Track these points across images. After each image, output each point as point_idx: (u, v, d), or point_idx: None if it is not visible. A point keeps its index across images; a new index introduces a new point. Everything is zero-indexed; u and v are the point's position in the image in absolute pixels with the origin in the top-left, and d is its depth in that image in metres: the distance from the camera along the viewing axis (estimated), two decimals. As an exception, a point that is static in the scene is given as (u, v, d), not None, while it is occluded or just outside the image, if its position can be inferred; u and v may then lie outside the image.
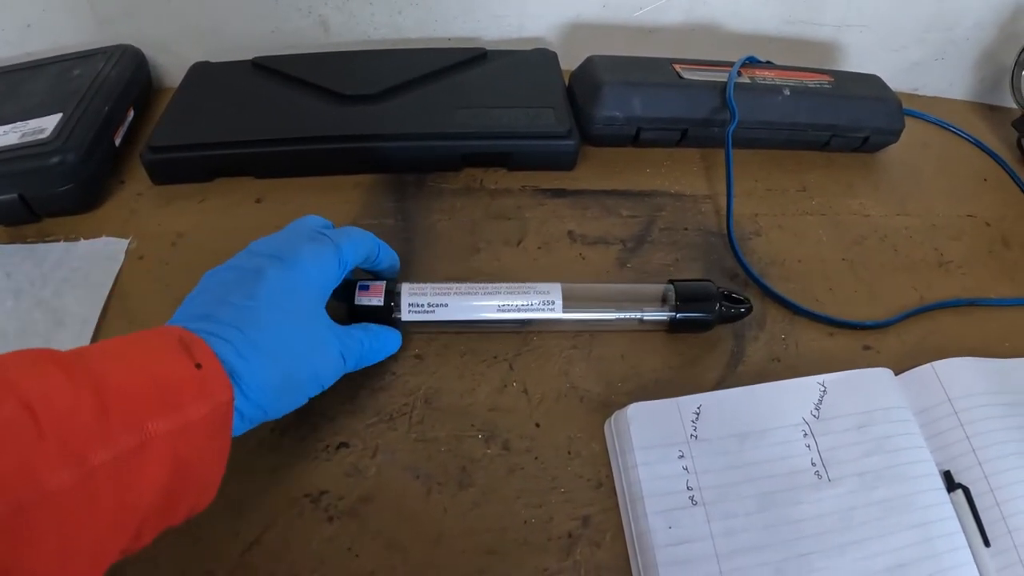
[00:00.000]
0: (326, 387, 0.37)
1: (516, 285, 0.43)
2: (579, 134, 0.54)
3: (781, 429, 0.40)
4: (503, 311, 0.42)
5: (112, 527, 0.26)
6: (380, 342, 0.41)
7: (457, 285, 0.43)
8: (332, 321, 0.38)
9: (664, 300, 0.44)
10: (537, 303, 0.42)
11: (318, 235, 0.39)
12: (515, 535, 0.36)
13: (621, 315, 0.44)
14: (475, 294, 0.42)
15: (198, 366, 0.29)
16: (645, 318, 0.44)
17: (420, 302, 0.42)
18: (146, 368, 0.28)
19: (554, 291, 0.43)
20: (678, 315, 0.43)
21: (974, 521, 0.38)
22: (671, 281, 0.44)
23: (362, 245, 0.40)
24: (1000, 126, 0.67)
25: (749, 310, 0.45)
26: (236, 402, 0.31)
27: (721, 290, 0.44)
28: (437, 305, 0.42)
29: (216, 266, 0.37)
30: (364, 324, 0.41)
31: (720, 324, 0.45)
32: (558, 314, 0.42)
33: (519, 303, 0.42)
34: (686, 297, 0.43)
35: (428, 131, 0.51)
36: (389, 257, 0.43)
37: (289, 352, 0.34)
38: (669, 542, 0.36)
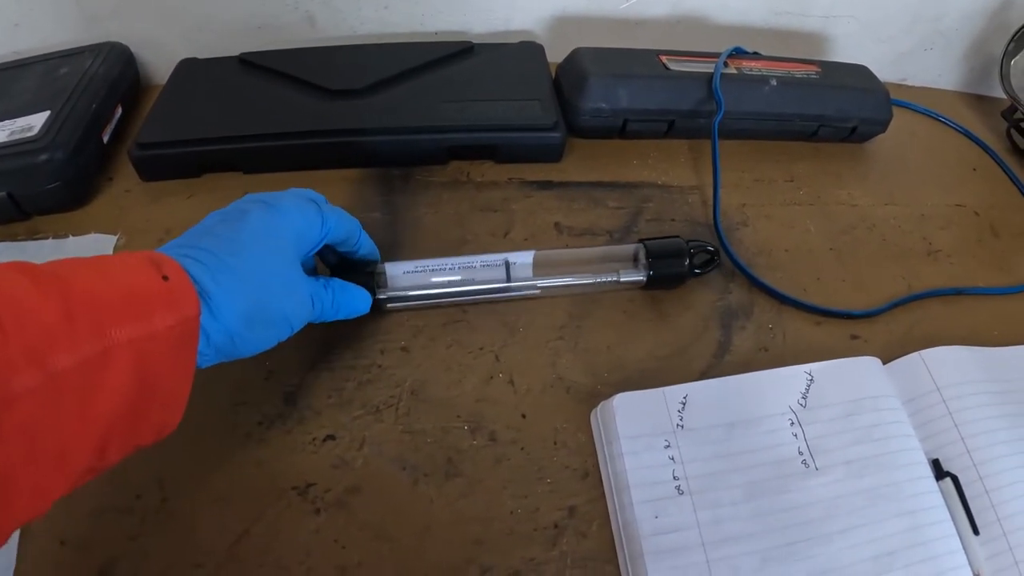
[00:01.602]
0: (295, 330, 0.37)
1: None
2: (566, 126, 0.54)
3: (768, 418, 0.40)
4: (476, 266, 0.44)
5: (78, 435, 0.26)
6: (348, 295, 0.41)
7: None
8: (300, 267, 0.38)
9: (636, 259, 0.46)
10: (512, 260, 0.44)
11: (308, 198, 0.40)
12: (501, 525, 0.36)
13: (598, 279, 0.45)
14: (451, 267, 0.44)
15: (165, 278, 0.29)
16: (622, 280, 0.45)
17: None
18: (114, 278, 0.28)
19: (526, 255, 0.45)
20: (652, 272, 0.44)
21: (963, 509, 0.38)
22: (641, 240, 0.46)
23: (346, 221, 0.41)
24: (989, 116, 0.67)
25: (717, 255, 0.46)
26: (203, 321, 0.31)
27: (689, 242, 0.46)
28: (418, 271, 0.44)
29: None
30: (335, 279, 0.41)
31: (692, 277, 0.46)
32: (531, 278, 0.44)
33: (495, 260, 0.44)
34: (658, 254, 0.45)
35: (415, 125, 0.51)
36: (369, 245, 0.43)
37: (261, 283, 0.34)
38: (655, 531, 0.36)
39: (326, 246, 0.40)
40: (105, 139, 0.53)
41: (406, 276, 0.43)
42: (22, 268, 0.27)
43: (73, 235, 0.48)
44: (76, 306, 0.26)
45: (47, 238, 0.48)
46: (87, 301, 0.27)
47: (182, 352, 0.30)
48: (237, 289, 0.33)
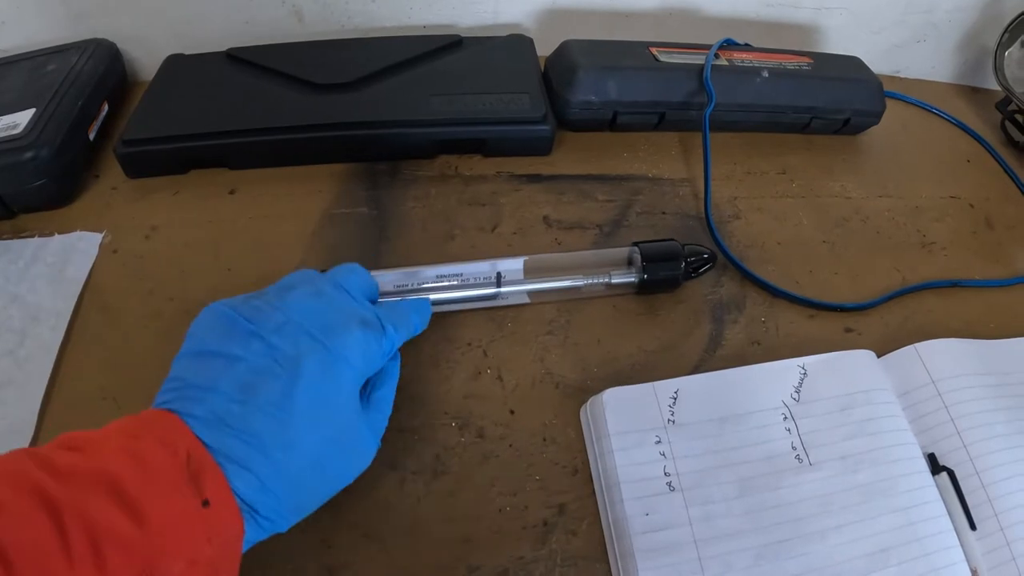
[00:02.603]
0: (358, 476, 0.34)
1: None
2: (555, 119, 0.53)
3: (760, 413, 0.39)
4: (463, 285, 0.43)
5: None
6: (409, 321, 0.38)
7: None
8: (361, 408, 0.34)
9: (630, 263, 0.45)
10: (503, 269, 0.43)
11: (368, 315, 0.35)
12: (490, 523, 0.36)
13: (589, 280, 0.44)
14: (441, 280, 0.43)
15: (205, 503, 0.25)
16: (614, 281, 0.44)
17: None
18: (144, 507, 0.24)
19: (516, 262, 0.44)
20: (646, 276, 0.43)
21: (959, 504, 0.37)
22: (635, 243, 0.45)
23: (410, 325, 0.38)
24: (983, 108, 0.66)
25: (713, 259, 0.45)
26: (248, 531, 0.28)
27: (685, 245, 0.44)
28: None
29: (224, 308, 0.33)
30: (388, 321, 0.36)
31: (686, 280, 0.45)
32: (522, 284, 0.43)
33: (482, 271, 0.43)
34: (652, 257, 0.44)
35: (402, 118, 0.51)
36: (424, 321, 0.40)
37: (321, 472, 0.30)
38: (646, 529, 0.35)
39: None
40: (91, 136, 0.53)
41: (397, 289, 0.42)
42: (44, 500, 0.23)
43: (59, 233, 0.48)
44: (105, 549, 0.23)
45: (33, 236, 0.47)
46: (114, 541, 0.23)
47: (221, 570, 0.27)
48: (292, 492, 0.29)
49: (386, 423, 0.36)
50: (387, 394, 0.36)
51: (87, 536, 0.23)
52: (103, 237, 0.47)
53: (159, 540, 0.24)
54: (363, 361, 0.33)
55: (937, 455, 0.39)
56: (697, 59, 0.54)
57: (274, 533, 0.30)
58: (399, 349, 0.38)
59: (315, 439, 0.30)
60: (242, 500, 0.27)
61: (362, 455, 0.33)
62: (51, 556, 0.22)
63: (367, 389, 0.36)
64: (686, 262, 0.44)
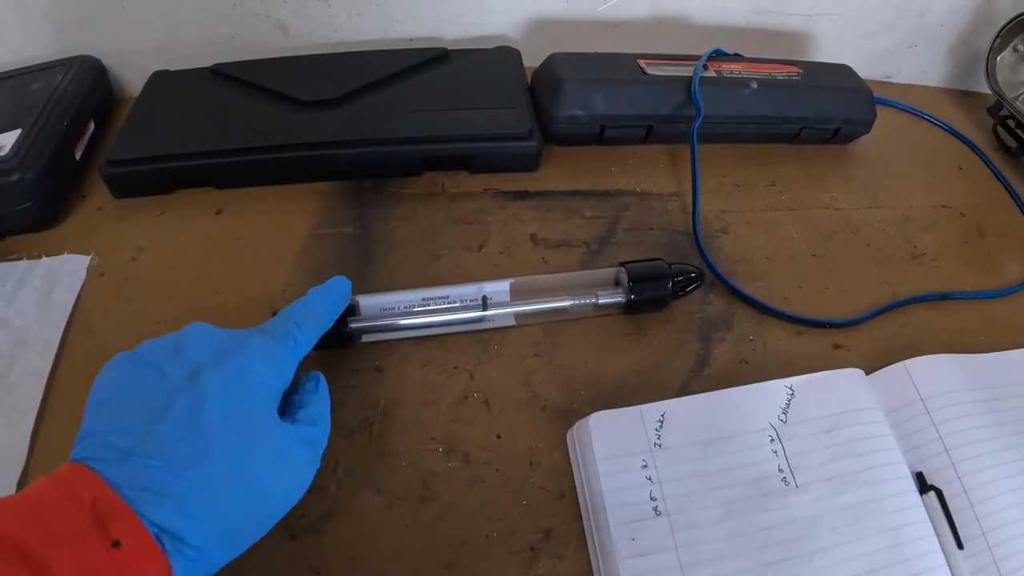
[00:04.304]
0: (299, 498, 0.32)
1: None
2: (541, 134, 0.53)
3: (747, 435, 0.39)
4: (448, 308, 0.43)
5: None
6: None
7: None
8: (284, 422, 0.32)
9: (617, 283, 0.45)
10: (488, 292, 0.43)
11: (266, 324, 0.34)
12: (476, 549, 0.36)
13: (576, 301, 0.44)
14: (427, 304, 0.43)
15: (115, 543, 0.24)
16: (600, 302, 0.44)
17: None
18: (51, 564, 0.23)
19: (502, 284, 0.44)
20: (633, 296, 0.43)
21: (947, 523, 0.37)
22: (622, 264, 0.45)
23: (319, 317, 0.37)
24: (975, 112, 0.66)
25: (700, 278, 0.45)
26: (177, 569, 0.26)
27: (672, 264, 0.44)
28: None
29: (124, 352, 0.32)
30: (311, 378, 0.36)
31: (674, 299, 0.45)
32: (509, 307, 0.43)
33: (467, 294, 0.43)
34: (639, 277, 0.44)
35: (387, 136, 0.50)
36: (343, 301, 0.39)
37: (245, 491, 0.29)
38: (632, 554, 0.35)
39: None
40: (78, 156, 0.53)
41: (382, 312, 0.42)
42: None
43: (46, 255, 0.47)
44: None
45: (20, 259, 0.47)
46: None
47: None
48: (220, 512, 0.27)
49: (324, 440, 0.34)
50: (318, 410, 0.35)
51: None
52: (91, 260, 0.47)
53: None
54: (268, 368, 0.32)
55: (925, 474, 0.39)
56: (685, 71, 0.54)
57: (212, 568, 0.29)
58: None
59: (230, 454, 0.28)
60: (162, 529, 0.26)
61: (294, 472, 0.32)
62: None
63: (293, 407, 0.35)
64: (673, 282, 0.44)
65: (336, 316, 0.39)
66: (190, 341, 0.32)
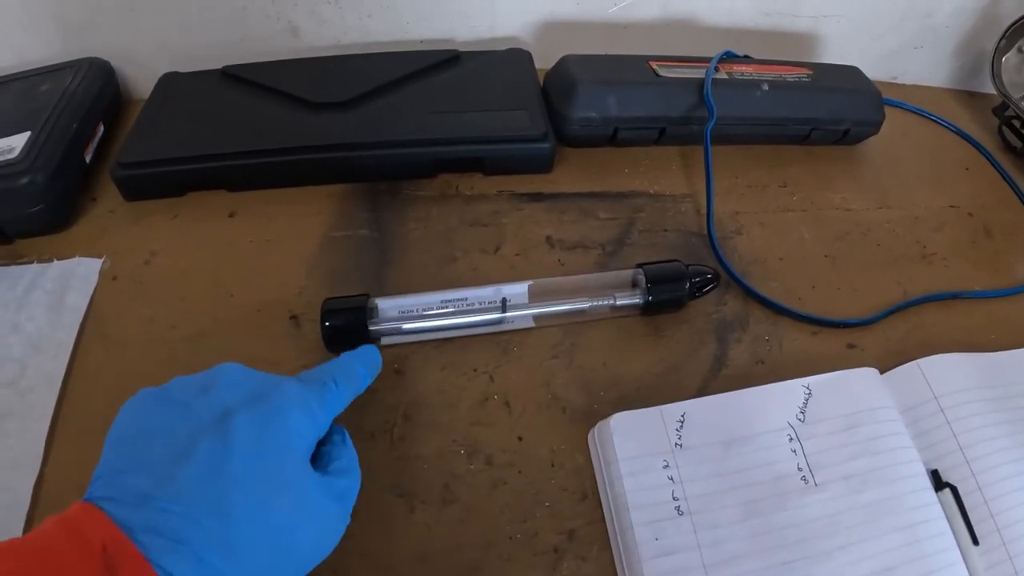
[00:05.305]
0: (327, 554, 0.31)
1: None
2: (555, 136, 0.53)
3: (766, 434, 0.39)
4: (467, 310, 0.43)
5: None
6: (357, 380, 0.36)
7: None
8: (315, 472, 0.31)
9: (634, 284, 0.45)
10: (507, 294, 0.43)
11: (305, 373, 0.33)
12: (500, 551, 0.36)
13: (594, 303, 0.44)
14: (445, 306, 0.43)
15: None
16: (618, 303, 0.44)
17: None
18: None
19: (521, 286, 0.44)
20: (651, 297, 0.44)
21: (962, 520, 0.38)
22: (639, 265, 0.45)
23: (356, 378, 0.36)
24: (981, 113, 0.66)
25: (716, 279, 0.45)
26: None
27: (689, 266, 0.45)
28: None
29: (151, 388, 0.31)
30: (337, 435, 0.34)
31: (691, 300, 0.46)
32: (528, 308, 0.43)
33: (486, 296, 0.43)
34: (657, 279, 0.44)
35: (401, 138, 0.50)
36: (375, 368, 0.39)
37: (270, 543, 0.27)
38: (656, 554, 0.35)
39: None
40: (88, 158, 0.52)
41: (401, 315, 0.43)
42: None
43: (57, 258, 0.47)
44: None
45: (31, 262, 0.47)
46: None
47: None
48: (232, 565, 0.26)
49: (355, 493, 0.33)
50: (348, 463, 0.34)
51: None
52: (103, 263, 0.47)
53: None
54: (305, 418, 0.30)
55: (940, 471, 0.40)
56: (697, 73, 0.54)
57: None
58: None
59: (255, 503, 0.27)
60: None
61: (324, 526, 0.30)
62: None
63: (324, 460, 0.33)
64: (690, 283, 0.44)
65: (370, 381, 0.38)
66: (222, 380, 0.31)
